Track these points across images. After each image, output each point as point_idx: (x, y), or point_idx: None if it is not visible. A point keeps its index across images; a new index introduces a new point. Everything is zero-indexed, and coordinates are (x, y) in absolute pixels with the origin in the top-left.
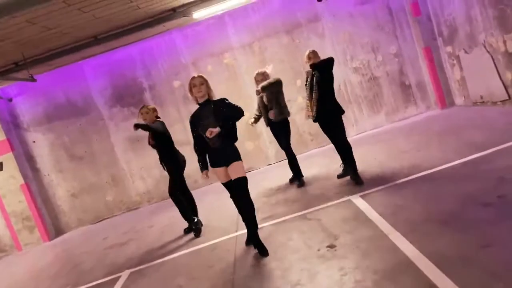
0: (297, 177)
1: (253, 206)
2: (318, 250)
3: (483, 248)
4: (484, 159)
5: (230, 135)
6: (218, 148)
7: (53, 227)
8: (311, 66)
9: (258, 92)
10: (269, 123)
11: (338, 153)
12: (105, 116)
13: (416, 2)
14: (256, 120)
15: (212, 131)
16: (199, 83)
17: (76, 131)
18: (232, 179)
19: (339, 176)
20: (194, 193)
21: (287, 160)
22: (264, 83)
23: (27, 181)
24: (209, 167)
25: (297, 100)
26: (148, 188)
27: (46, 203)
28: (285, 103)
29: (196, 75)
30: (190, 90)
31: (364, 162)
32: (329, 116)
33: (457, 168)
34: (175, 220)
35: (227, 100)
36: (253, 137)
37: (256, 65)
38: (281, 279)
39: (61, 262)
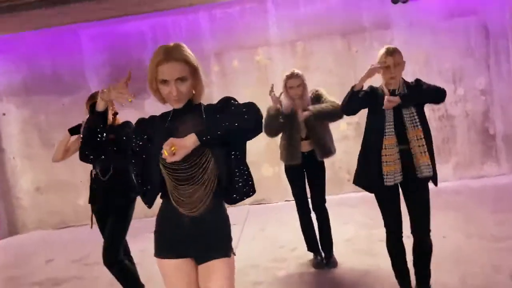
0: (319, 252)
1: None
2: None
3: None
4: None
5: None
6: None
7: (7, 224)
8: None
9: (292, 111)
10: (303, 160)
11: None
12: None
13: None
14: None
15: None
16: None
17: (57, 112)
18: None
19: None
20: None
21: (317, 222)
22: (321, 108)
23: None
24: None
25: (339, 127)
26: None
27: (5, 194)
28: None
29: (172, 44)
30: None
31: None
32: (424, 184)
33: None
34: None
35: (233, 99)
36: (273, 161)
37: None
38: None
39: None
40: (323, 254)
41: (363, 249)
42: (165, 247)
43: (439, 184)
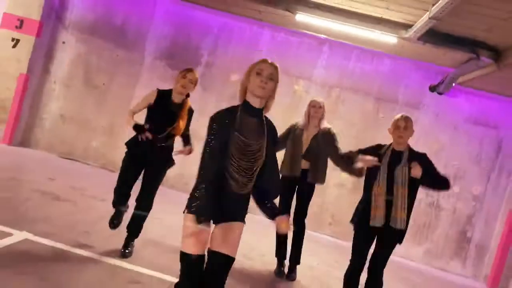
0: (283, 262)
1: None
2: None
3: None
4: None
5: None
6: (237, 193)
7: (22, 135)
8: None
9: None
10: (301, 176)
11: None
12: (146, 63)
13: None
14: None
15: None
16: (268, 75)
17: (108, 59)
18: (216, 251)
19: None
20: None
21: (292, 233)
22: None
23: (29, 74)
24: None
25: (341, 174)
26: None
27: (32, 108)
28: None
29: (269, 60)
30: (248, 77)
31: None
32: (395, 235)
33: None
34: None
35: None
36: None
37: None
38: None
39: None
40: (286, 266)
41: (320, 278)
42: (205, 210)
43: (405, 260)
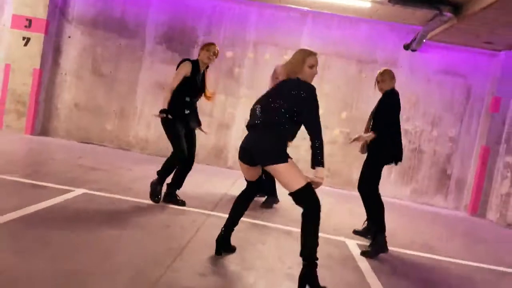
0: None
1: None
2: (289, 268)
3: None
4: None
5: None
6: None
7: (41, 125)
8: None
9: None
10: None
11: (364, 206)
12: (147, 49)
13: (498, 98)
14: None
15: None
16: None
17: (113, 49)
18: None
19: (356, 232)
20: None
21: None
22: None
23: (42, 69)
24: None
25: (333, 132)
26: (147, 137)
27: (48, 100)
28: None
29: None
30: (302, 67)
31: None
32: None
33: (472, 269)
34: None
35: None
36: None
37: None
38: (235, 272)
39: (25, 155)
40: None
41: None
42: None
43: (395, 199)
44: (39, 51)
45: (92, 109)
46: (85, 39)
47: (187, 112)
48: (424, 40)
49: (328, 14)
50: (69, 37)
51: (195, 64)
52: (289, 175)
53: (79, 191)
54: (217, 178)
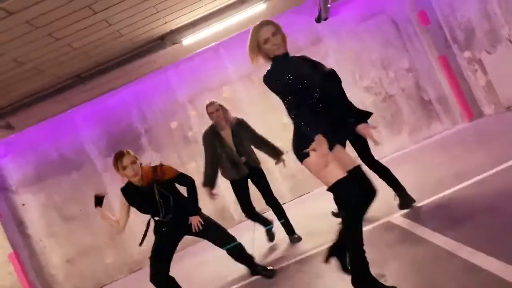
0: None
1: None
2: None
3: None
4: None
5: None
6: None
7: None
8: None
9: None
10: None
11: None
12: (99, 168)
13: (422, 10)
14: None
15: None
16: None
17: (69, 188)
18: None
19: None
20: None
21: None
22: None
23: (16, 250)
24: None
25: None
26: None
27: (39, 273)
28: None
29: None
30: (257, 42)
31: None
32: None
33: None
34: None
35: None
36: None
37: (257, 96)
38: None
39: None
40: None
41: None
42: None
43: (400, 151)
44: (4, 236)
45: (84, 254)
46: (39, 196)
47: (164, 229)
48: (328, 5)
49: (233, 37)
50: (23, 204)
51: (127, 186)
52: None
53: None
54: None
